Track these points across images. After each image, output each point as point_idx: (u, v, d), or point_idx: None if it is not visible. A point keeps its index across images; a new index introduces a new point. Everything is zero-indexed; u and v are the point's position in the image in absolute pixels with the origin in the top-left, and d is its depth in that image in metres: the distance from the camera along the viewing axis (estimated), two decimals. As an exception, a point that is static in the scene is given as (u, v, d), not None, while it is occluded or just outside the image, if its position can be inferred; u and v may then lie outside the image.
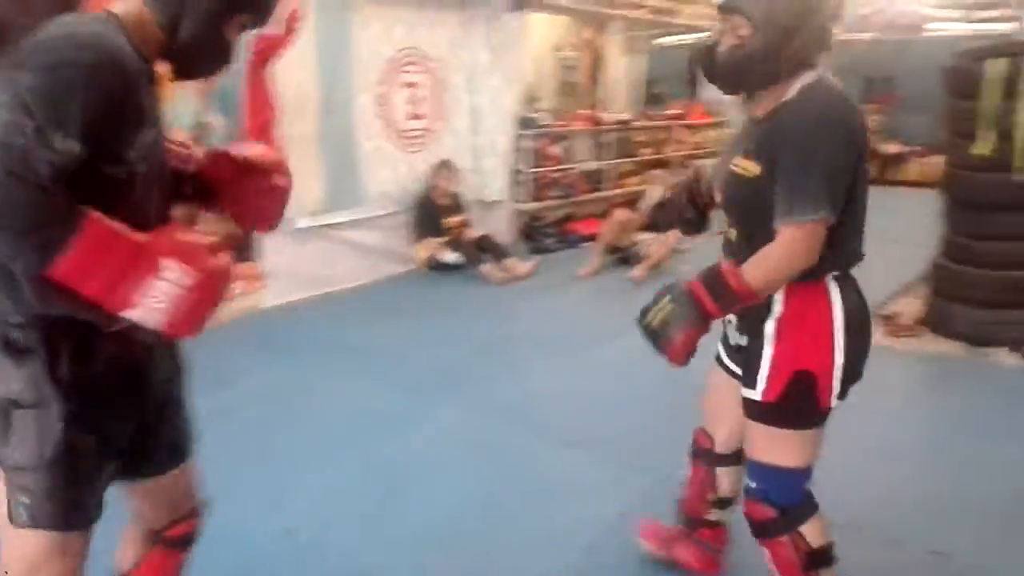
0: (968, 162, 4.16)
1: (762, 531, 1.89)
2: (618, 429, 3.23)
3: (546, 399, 3.60)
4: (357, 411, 3.48)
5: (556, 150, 7.30)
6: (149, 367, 1.49)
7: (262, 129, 4.37)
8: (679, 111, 8.90)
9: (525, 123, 6.77)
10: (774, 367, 1.77)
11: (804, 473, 1.85)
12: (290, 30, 4.27)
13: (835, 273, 1.76)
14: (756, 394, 1.80)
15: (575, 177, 7.52)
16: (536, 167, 7.01)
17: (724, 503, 2.18)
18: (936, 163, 10.44)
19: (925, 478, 2.90)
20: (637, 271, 5.68)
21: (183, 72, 1.40)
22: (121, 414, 1.44)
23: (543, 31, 8.04)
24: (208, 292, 1.27)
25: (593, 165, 7.75)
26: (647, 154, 8.25)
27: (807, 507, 1.88)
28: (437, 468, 2.97)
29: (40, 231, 1.14)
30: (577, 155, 7.62)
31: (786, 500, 1.86)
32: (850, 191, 1.68)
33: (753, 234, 1.73)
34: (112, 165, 1.25)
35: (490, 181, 6.50)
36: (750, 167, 1.73)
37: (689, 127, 9.02)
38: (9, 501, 1.36)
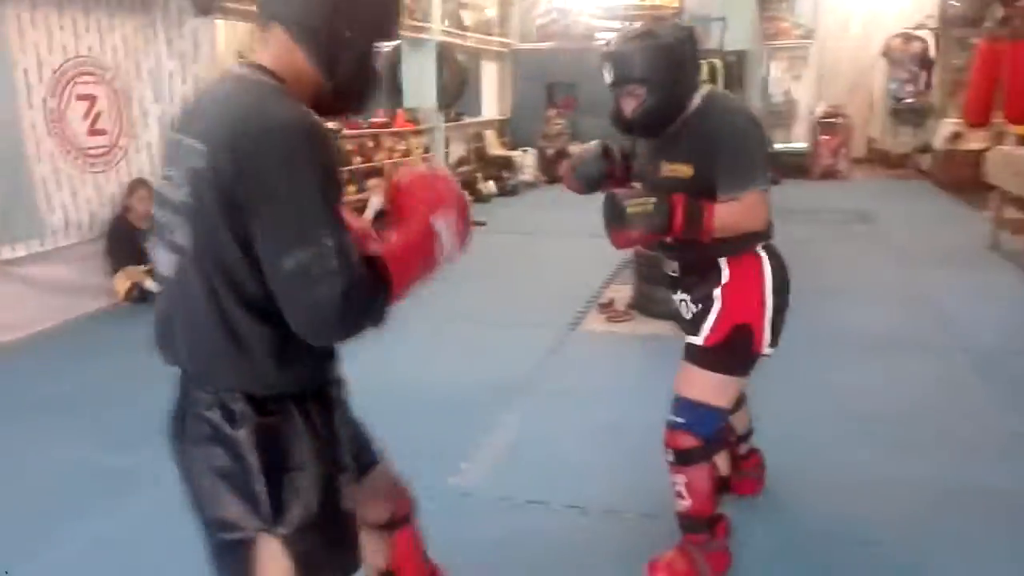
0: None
1: (685, 458, 2.19)
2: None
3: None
4: (63, 479, 3.00)
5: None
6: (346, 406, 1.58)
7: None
8: (384, 119, 8.91)
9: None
10: (718, 320, 2.14)
11: (726, 412, 2.24)
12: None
13: (763, 243, 2.17)
14: (699, 340, 2.16)
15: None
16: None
17: (745, 437, 2.69)
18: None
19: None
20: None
21: (338, 110, 1.44)
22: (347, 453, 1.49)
23: (224, 37, 7.61)
24: (465, 209, 1.42)
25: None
26: (358, 163, 8.15)
27: (722, 441, 2.35)
28: (168, 539, 2.65)
29: (372, 313, 1.27)
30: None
31: (708, 433, 2.19)
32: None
33: None
34: None
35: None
36: (684, 170, 2.08)
37: (396, 135, 9.07)
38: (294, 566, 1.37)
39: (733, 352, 2.15)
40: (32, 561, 2.48)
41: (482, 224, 8.41)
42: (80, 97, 5.13)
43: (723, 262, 2.15)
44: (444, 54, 9.66)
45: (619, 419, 3.41)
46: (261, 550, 1.36)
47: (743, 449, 2.72)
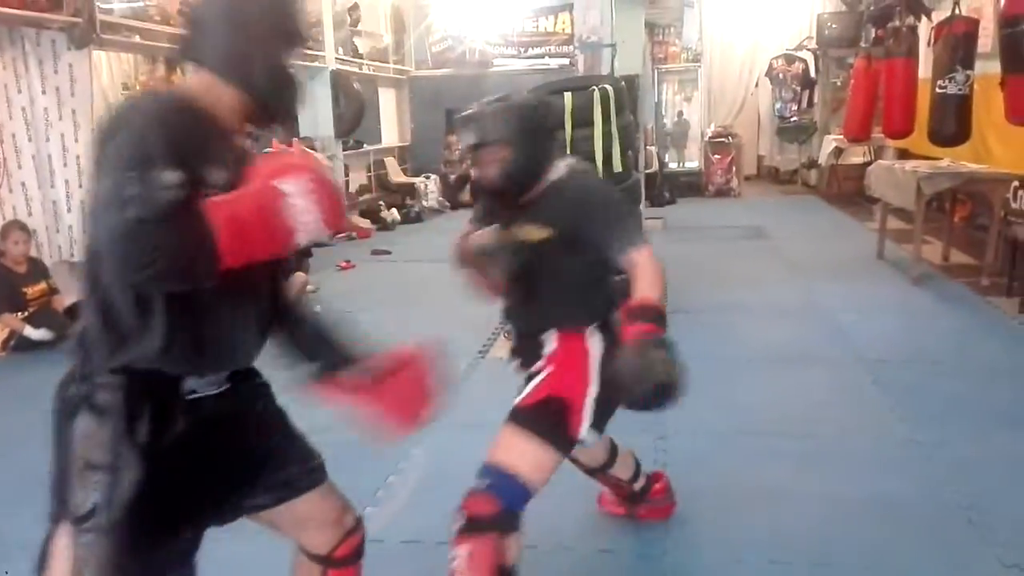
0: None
1: (477, 526, 1.93)
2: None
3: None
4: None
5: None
6: (235, 426, 1.55)
7: None
8: (279, 149, 8.68)
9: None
10: (538, 385, 2.08)
11: (531, 489, 1.99)
12: None
13: (596, 323, 2.12)
14: (516, 401, 2.10)
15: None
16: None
17: (634, 476, 2.64)
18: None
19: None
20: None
21: (269, 120, 1.55)
22: (204, 477, 1.48)
23: (108, 69, 7.30)
24: (325, 180, 1.38)
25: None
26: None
27: (519, 520, 1.98)
28: None
29: (188, 255, 1.25)
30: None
31: (508, 503, 1.94)
32: None
33: (540, 286, 2.11)
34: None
35: (76, 238, 5.67)
36: (538, 232, 2.05)
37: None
38: (75, 562, 1.39)
39: (546, 418, 2.03)
40: None
41: (387, 253, 8.29)
42: (-56, 136, 4.80)
43: (553, 335, 2.13)
44: (339, 82, 9.54)
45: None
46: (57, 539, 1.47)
47: (638, 485, 2.66)
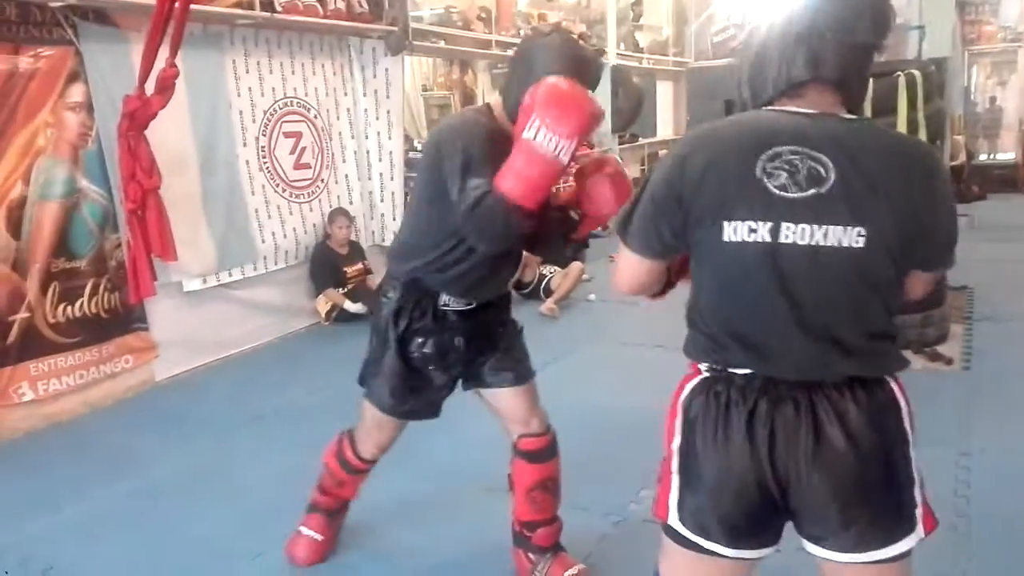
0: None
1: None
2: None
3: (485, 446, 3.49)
4: (284, 482, 3.22)
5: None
6: (471, 330, 2.27)
7: (145, 195, 4.06)
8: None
9: (411, 164, 6.69)
10: None
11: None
12: (164, 88, 3.98)
13: None
14: None
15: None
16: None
17: None
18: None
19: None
20: (548, 304, 5.71)
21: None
22: (441, 356, 2.26)
23: (409, 72, 8.04)
24: (567, 105, 1.87)
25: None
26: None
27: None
28: (389, 527, 2.81)
29: (499, 228, 1.96)
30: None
31: None
32: None
33: None
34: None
35: (387, 225, 6.37)
36: None
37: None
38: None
39: None
40: (255, 555, 2.72)
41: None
42: (287, 135, 5.58)
43: None
44: (619, 77, 9.70)
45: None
46: None
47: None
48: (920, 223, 1.29)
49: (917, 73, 4.16)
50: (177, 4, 3.62)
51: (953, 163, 8.89)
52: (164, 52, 3.83)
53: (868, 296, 1.31)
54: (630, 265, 1.51)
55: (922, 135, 4.11)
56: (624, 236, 1.48)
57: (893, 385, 1.37)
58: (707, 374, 1.40)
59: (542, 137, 1.79)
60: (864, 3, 1.33)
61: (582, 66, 2.00)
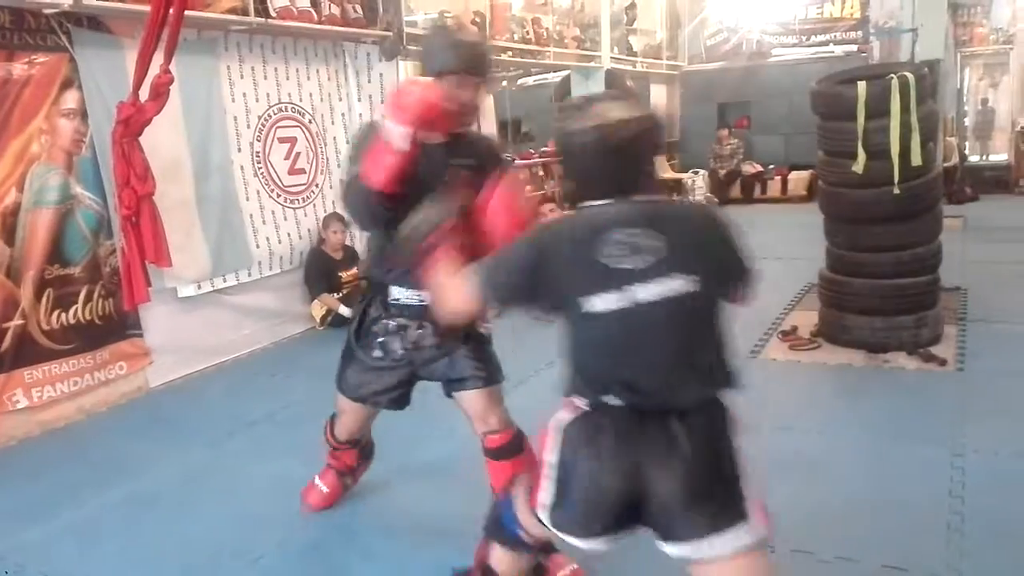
0: (843, 179, 4.40)
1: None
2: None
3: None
4: (279, 487, 3.23)
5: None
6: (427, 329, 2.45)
7: (140, 201, 4.06)
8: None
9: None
10: None
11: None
12: (158, 95, 3.97)
13: None
14: None
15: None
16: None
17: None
18: (797, 179, 11.19)
19: (856, 489, 2.94)
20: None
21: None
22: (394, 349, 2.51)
23: (404, 77, 8.04)
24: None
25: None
26: (529, 191, 8.36)
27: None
28: (385, 537, 2.81)
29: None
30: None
31: None
32: None
33: None
34: None
35: (379, 231, 6.36)
36: None
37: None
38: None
39: None
40: (255, 561, 2.71)
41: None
42: (282, 140, 5.58)
43: None
44: (613, 80, 9.73)
45: (822, 452, 3.29)
46: None
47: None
48: (724, 260, 1.72)
49: (910, 75, 4.17)
50: (171, 10, 3.62)
51: (946, 165, 8.92)
52: (158, 58, 3.82)
53: (705, 327, 1.67)
54: (470, 302, 1.81)
55: (915, 137, 4.13)
56: (484, 284, 1.76)
57: (726, 397, 1.69)
58: (585, 408, 1.69)
59: (385, 127, 2.10)
60: (639, 129, 1.66)
61: (461, 52, 2.24)
